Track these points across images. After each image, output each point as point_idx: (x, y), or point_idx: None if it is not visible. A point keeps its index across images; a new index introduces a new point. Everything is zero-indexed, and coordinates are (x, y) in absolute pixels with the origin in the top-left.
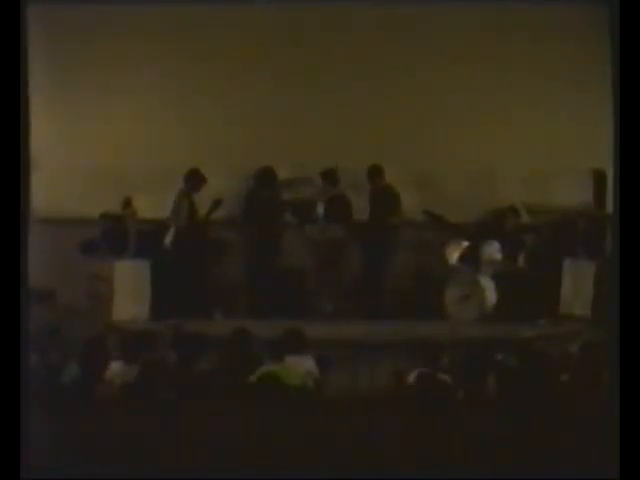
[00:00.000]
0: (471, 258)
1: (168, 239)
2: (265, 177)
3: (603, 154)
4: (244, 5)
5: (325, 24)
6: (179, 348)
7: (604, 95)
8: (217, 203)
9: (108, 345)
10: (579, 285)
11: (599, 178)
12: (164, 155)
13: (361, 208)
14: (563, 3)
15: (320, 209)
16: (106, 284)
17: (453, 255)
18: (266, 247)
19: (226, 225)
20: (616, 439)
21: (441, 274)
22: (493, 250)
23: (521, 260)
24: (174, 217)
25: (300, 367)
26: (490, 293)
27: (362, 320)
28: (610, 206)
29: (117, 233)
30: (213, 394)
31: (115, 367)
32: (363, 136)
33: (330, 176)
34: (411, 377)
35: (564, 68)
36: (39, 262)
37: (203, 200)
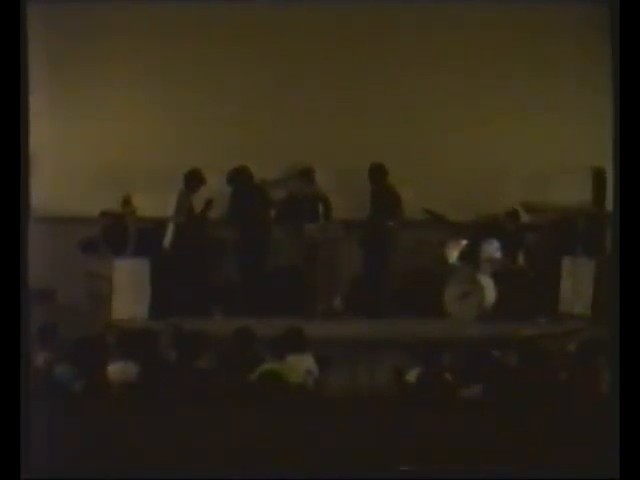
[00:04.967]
0: (471, 257)
1: (167, 240)
2: (240, 177)
3: (603, 153)
4: (244, 5)
5: (325, 24)
6: (179, 347)
7: (604, 95)
8: (209, 203)
9: (108, 344)
10: (579, 284)
11: (599, 177)
12: (164, 154)
13: (353, 208)
14: (563, 3)
15: (320, 208)
16: (106, 283)
17: (453, 254)
18: (265, 246)
19: (225, 224)
20: (616, 439)
21: (441, 273)
22: (493, 249)
23: (521, 259)
24: (175, 217)
25: (300, 366)
26: (490, 292)
27: (362, 319)
28: (610, 205)
29: (117, 232)
30: (213, 393)
31: (115, 366)
32: (363, 136)
33: (307, 175)
34: (411, 376)
35: (564, 68)
36: (39, 262)
37: (201, 199)
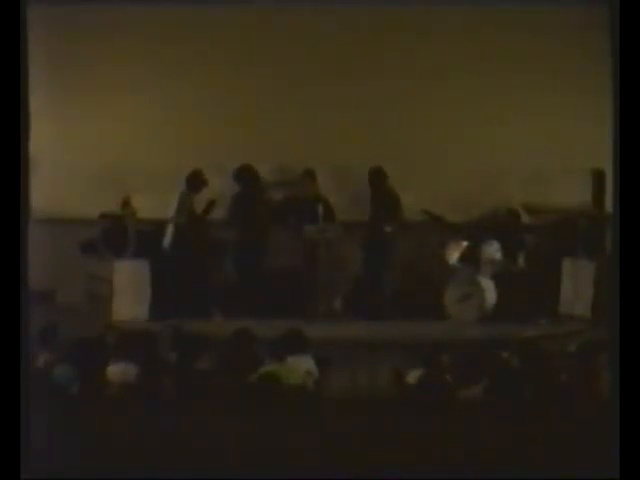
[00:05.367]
0: (471, 258)
1: (166, 241)
2: (246, 176)
3: (603, 154)
4: (244, 5)
5: (325, 24)
6: (179, 348)
7: (604, 95)
8: (211, 204)
9: (108, 345)
10: (579, 285)
11: (599, 178)
12: (164, 155)
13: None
14: (563, 3)
15: (320, 209)
16: (106, 284)
17: (453, 255)
18: (265, 247)
19: (226, 225)
20: (616, 439)
21: (441, 274)
22: (493, 250)
23: (521, 260)
24: (176, 218)
25: (300, 367)
26: (490, 293)
27: (362, 320)
28: (610, 206)
29: (117, 233)
30: (213, 394)
31: (115, 367)
32: (363, 136)
33: (310, 176)
34: (411, 377)
35: (564, 68)
36: (39, 262)
37: (202, 200)
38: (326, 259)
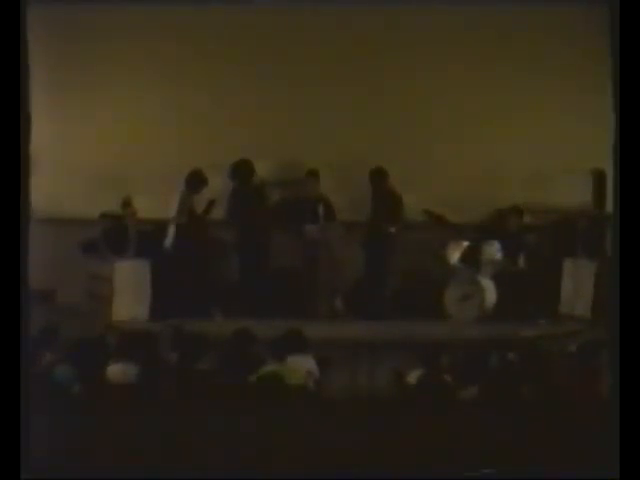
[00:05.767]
0: (471, 258)
1: (168, 241)
2: (243, 169)
3: (603, 154)
4: (244, 5)
5: (325, 24)
6: (179, 348)
7: (604, 95)
8: (211, 203)
9: (108, 345)
10: (579, 285)
11: (599, 178)
12: (164, 155)
13: (353, 209)
14: (563, 3)
15: (320, 209)
16: (106, 284)
17: (453, 255)
18: (265, 247)
19: (226, 225)
20: (616, 439)
21: (441, 274)
22: (493, 250)
23: (521, 260)
24: (176, 218)
25: (300, 367)
26: (490, 293)
27: (362, 320)
28: (610, 206)
29: (117, 233)
30: (213, 394)
31: (115, 367)
32: (363, 136)
33: (313, 176)
34: (411, 377)
35: (564, 68)
36: (39, 262)
37: (202, 200)
38: (326, 259)
